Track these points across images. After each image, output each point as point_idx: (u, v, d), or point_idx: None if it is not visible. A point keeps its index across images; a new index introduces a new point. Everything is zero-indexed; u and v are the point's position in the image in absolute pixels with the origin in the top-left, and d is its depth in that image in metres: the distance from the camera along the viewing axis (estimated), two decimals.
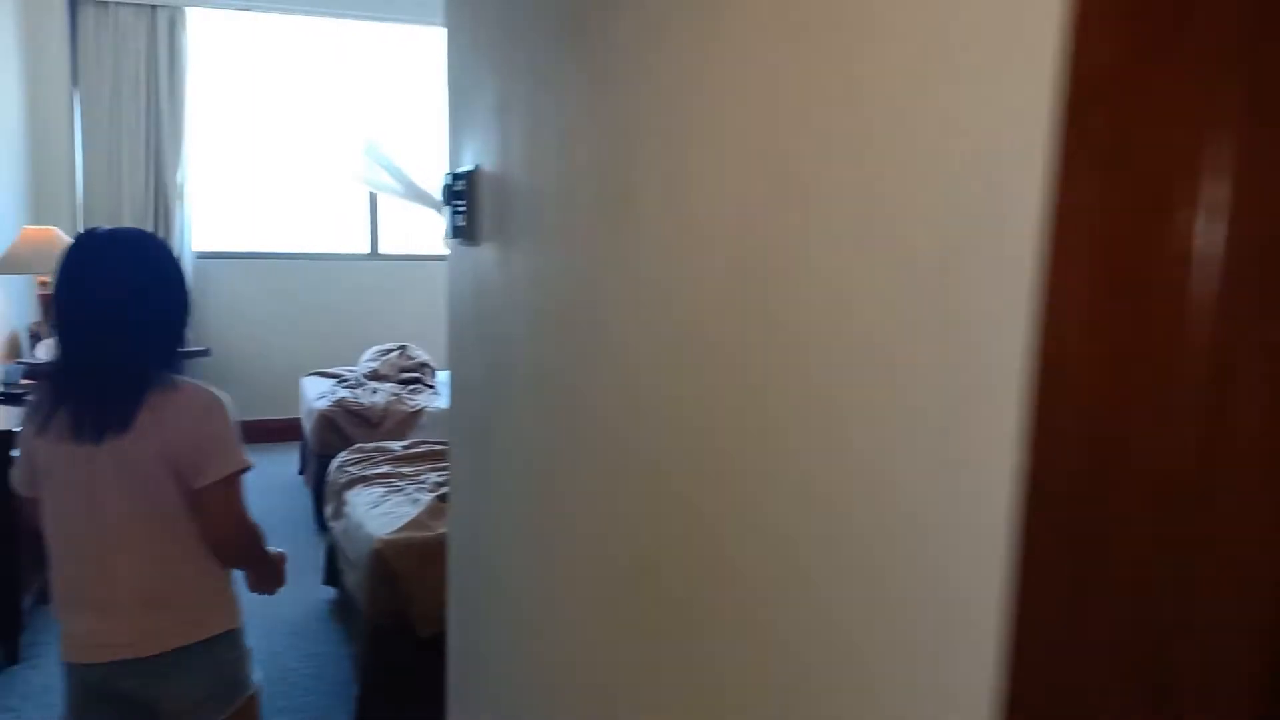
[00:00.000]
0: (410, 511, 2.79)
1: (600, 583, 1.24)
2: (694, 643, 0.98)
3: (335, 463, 3.44)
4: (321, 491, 4.34)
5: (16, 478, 1.67)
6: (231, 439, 1.64)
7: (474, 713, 1.90)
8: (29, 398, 1.71)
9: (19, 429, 1.69)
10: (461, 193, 1.70)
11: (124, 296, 1.59)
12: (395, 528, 2.65)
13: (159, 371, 1.61)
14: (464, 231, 1.71)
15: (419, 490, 3.02)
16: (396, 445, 3.55)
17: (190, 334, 5.47)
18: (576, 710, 1.34)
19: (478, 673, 1.87)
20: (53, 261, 3.90)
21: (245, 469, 1.64)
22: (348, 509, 3.02)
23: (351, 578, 2.81)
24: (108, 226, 1.75)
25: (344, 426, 4.33)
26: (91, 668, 1.62)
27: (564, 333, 1.33)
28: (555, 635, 1.42)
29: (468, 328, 1.84)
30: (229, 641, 1.69)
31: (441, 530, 2.65)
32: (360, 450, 3.49)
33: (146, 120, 5.41)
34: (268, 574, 1.82)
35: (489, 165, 1.63)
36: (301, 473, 5.14)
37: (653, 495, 1.08)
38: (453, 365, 1.98)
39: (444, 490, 2.97)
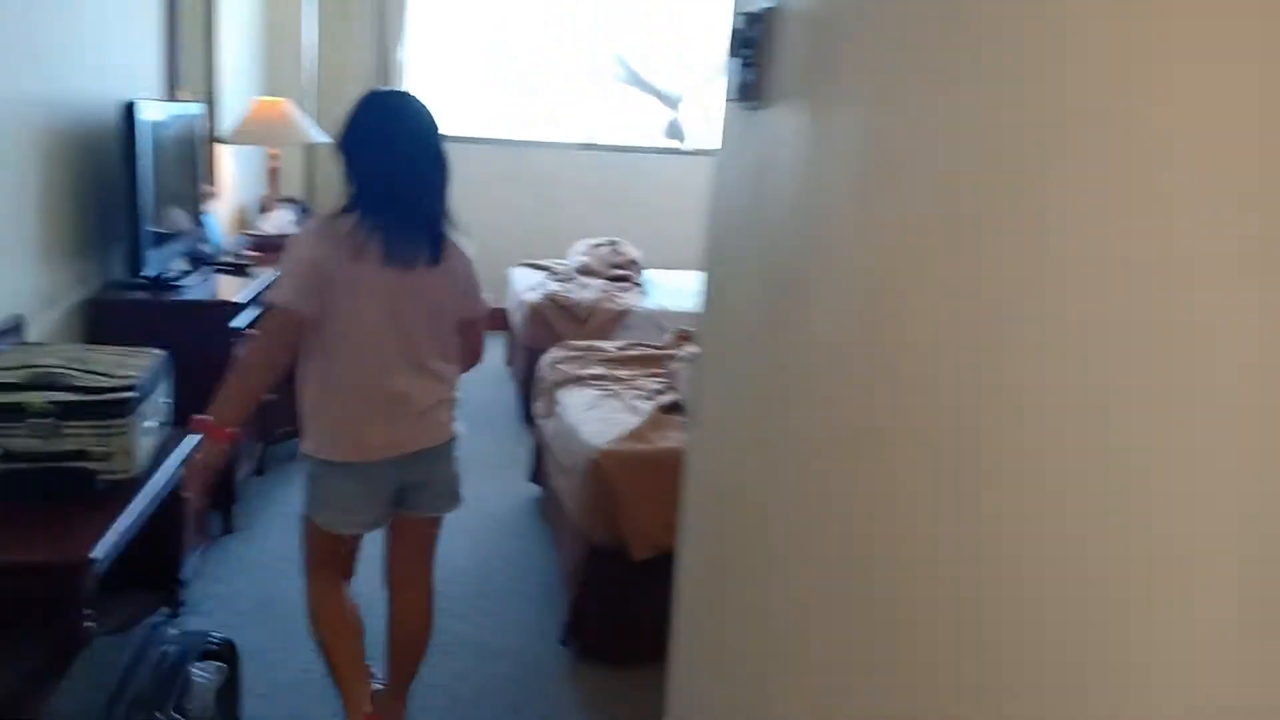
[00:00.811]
0: (629, 420, 2.55)
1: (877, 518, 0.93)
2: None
3: (546, 359, 3.26)
4: (529, 385, 4.24)
5: (292, 296, 1.81)
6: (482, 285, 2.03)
7: (704, 657, 1.65)
8: (330, 227, 1.87)
9: (307, 253, 1.85)
10: (752, 40, 1.35)
11: (436, 138, 1.93)
12: (613, 437, 2.42)
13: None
14: (751, 90, 1.36)
15: (636, 397, 2.78)
16: (609, 345, 3.33)
17: None
18: (828, 665, 1.04)
19: (711, 613, 1.61)
20: (282, 135, 3.81)
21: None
22: (559, 409, 2.83)
23: (563, 483, 2.63)
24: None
25: (552, 320, 4.17)
26: (380, 464, 1.92)
27: (912, 234, 0.97)
28: (809, 575, 1.13)
29: (738, 215, 1.51)
30: (456, 444, 2.05)
31: (663, 445, 2.40)
32: (572, 348, 3.29)
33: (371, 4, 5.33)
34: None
35: (796, 1, 1.26)
36: (509, 364, 5.09)
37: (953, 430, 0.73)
38: (710, 260, 1.66)
39: (666, 399, 2.71)
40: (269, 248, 3.70)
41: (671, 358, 3.05)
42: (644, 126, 5.94)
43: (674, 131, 5.84)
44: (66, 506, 2.00)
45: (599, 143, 5.96)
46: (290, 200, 4.97)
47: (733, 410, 1.54)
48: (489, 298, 2.07)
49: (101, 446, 2.02)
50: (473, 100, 5.86)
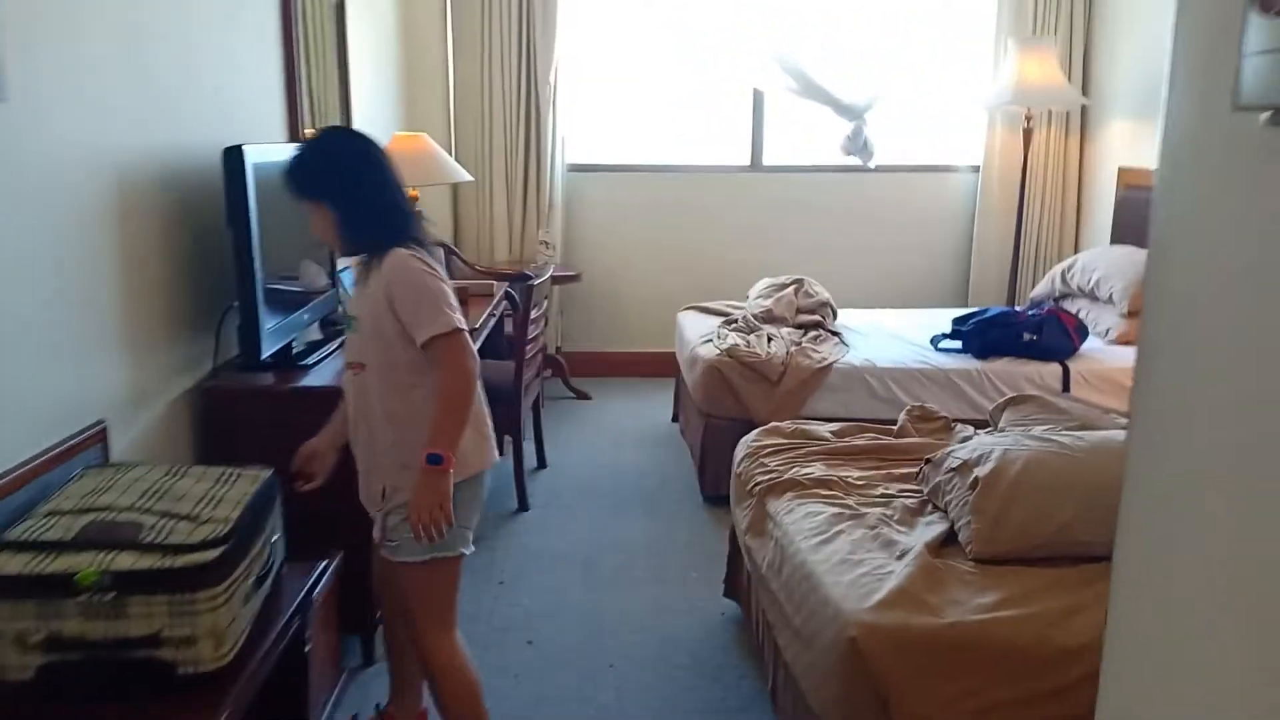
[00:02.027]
0: (886, 563, 1.81)
1: None
2: None
3: (744, 447, 2.56)
4: (705, 457, 3.56)
5: (461, 318, 1.79)
6: None
7: None
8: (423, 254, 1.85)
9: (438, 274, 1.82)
10: None
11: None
12: (874, 598, 1.69)
13: None
14: None
15: (885, 519, 2.04)
16: (825, 429, 2.59)
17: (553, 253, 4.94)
18: None
19: None
20: (424, 173, 3.31)
21: None
22: (778, 532, 2.12)
23: (799, 654, 1.88)
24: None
25: (734, 381, 3.48)
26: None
27: None
28: None
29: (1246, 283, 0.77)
30: None
31: (950, 615, 1.65)
32: (778, 433, 2.57)
33: (520, 19, 4.81)
34: None
35: None
36: (675, 419, 4.45)
37: None
38: (1166, 333, 0.92)
39: (934, 530, 1.96)
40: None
41: (920, 454, 2.29)
42: (817, 143, 5.20)
43: (855, 147, 5.07)
44: (135, 708, 1.45)
45: (771, 164, 5.26)
46: (436, 244, 4.49)
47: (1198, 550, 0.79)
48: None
49: (181, 629, 1.45)
50: (625, 126, 5.26)
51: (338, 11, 3.46)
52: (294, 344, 2.56)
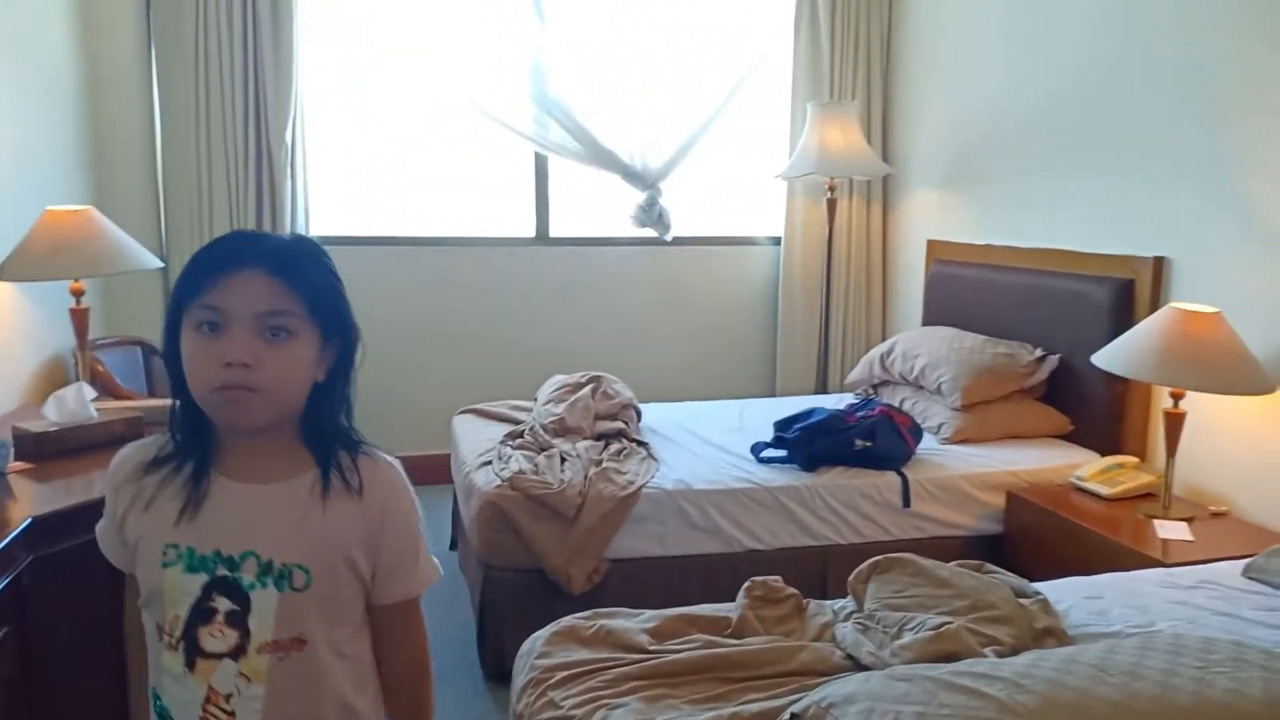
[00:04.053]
0: None
1: None
2: None
3: (525, 669, 1.77)
4: (485, 622, 2.79)
5: None
6: None
7: None
8: None
9: None
10: None
11: None
12: None
13: None
14: None
15: None
16: (636, 624, 1.86)
17: None
18: None
19: None
20: (81, 258, 2.37)
21: None
22: None
23: None
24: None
25: (520, 521, 2.74)
26: None
27: None
28: None
29: None
30: None
31: None
32: (571, 639, 1.80)
33: (245, 65, 3.94)
34: None
35: None
36: (453, 547, 3.63)
37: None
38: None
39: None
40: (50, 450, 2.25)
41: (771, 670, 1.63)
42: (611, 214, 4.62)
43: (649, 218, 4.52)
44: None
45: (556, 235, 4.61)
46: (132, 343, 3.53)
47: None
48: None
49: None
50: (386, 193, 4.46)
51: None
52: None
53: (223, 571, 1.05)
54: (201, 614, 1.05)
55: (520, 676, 1.76)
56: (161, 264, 3.11)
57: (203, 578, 1.05)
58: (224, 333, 1.01)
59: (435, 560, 1.20)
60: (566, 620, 1.88)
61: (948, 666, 1.48)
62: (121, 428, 2.50)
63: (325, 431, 1.12)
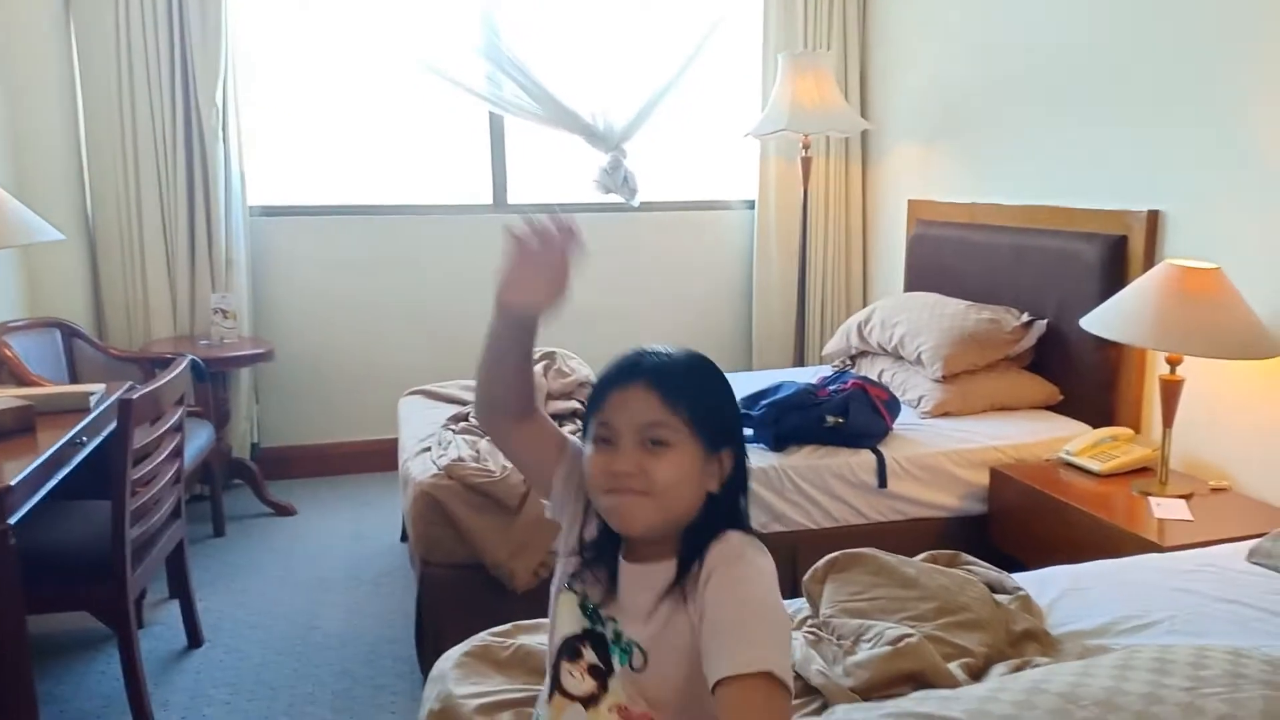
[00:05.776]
0: None
1: None
2: None
3: (434, 697, 1.55)
4: (423, 624, 2.56)
5: None
6: None
7: None
8: None
9: None
10: None
11: None
12: None
13: None
14: None
15: None
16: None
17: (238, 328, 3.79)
18: None
19: None
20: None
21: None
22: None
23: None
24: None
25: (458, 513, 2.50)
26: None
27: None
28: None
29: None
30: None
31: None
32: (484, 662, 1.56)
33: (170, 21, 3.64)
34: None
35: None
36: (404, 538, 3.42)
37: None
38: None
39: None
40: None
41: None
42: (573, 178, 4.35)
43: (614, 182, 4.25)
44: None
45: (515, 201, 4.34)
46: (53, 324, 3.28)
47: None
48: None
49: None
50: (330, 159, 4.18)
51: None
52: None
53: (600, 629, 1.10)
54: (569, 651, 1.12)
55: (426, 705, 1.52)
56: (61, 236, 2.84)
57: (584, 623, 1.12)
58: (613, 446, 1.07)
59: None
60: (480, 638, 1.64)
61: (890, 708, 1.24)
62: (9, 419, 2.28)
63: (703, 530, 1.09)
